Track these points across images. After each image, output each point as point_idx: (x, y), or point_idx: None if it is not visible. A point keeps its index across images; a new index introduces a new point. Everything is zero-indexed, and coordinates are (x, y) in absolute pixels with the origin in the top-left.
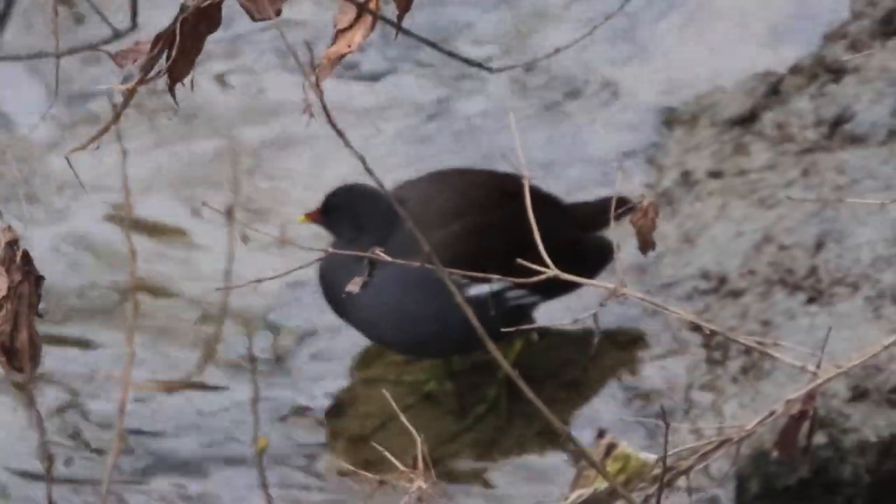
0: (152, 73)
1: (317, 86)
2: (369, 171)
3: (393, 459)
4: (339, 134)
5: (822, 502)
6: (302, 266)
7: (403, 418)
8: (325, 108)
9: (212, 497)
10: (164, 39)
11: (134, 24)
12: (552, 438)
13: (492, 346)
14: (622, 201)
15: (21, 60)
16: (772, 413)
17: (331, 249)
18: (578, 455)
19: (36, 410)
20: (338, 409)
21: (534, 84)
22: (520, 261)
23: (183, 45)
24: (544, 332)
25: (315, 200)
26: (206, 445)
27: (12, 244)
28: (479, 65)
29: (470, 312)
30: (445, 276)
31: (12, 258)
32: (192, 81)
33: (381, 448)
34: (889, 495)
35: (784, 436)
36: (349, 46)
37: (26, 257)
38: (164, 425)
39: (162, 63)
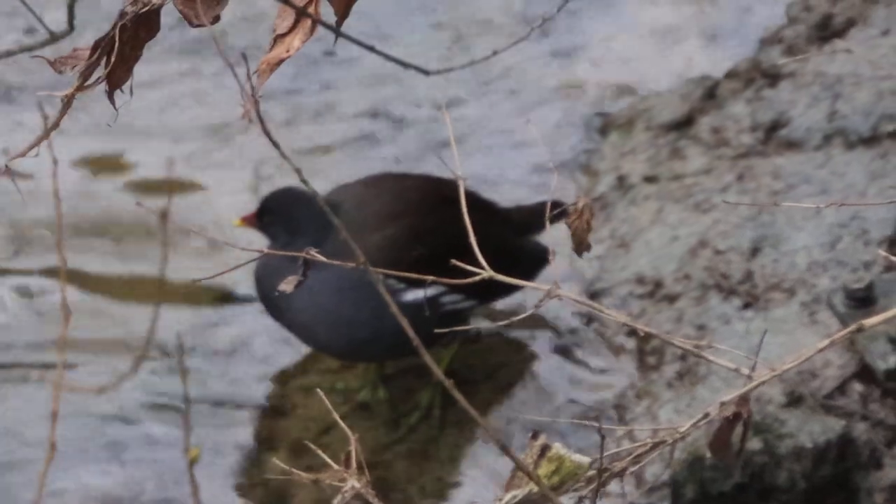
0: (91, 80)
1: (252, 94)
2: (304, 181)
3: (329, 461)
4: (275, 144)
5: None
6: (237, 266)
7: (340, 422)
8: (259, 117)
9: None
10: (102, 46)
11: (71, 29)
12: (486, 443)
13: (425, 355)
14: (557, 205)
15: None
16: (706, 415)
17: (266, 251)
18: (509, 457)
19: None
20: (274, 413)
21: (470, 86)
22: (455, 262)
23: (122, 51)
24: (478, 337)
25: (251, 205)
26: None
27: None
28: (417, 67)
29: (403, 320)
30: (379, 280)
31: None
32: (130, 88)
33: (318, 451)
34: (824, 502)
35: (717, 438)
36: (287, 52)
37: None
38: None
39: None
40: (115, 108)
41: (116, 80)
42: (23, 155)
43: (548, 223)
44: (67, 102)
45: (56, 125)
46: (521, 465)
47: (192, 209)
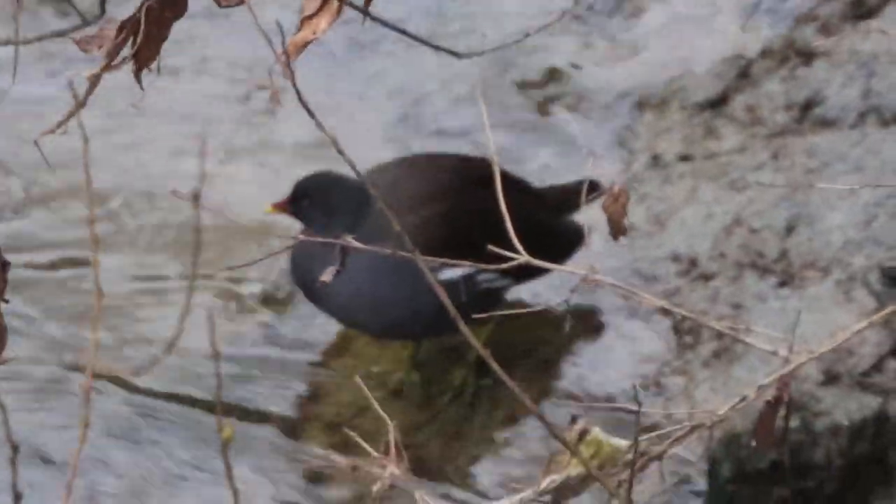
0: (118, 60)
1: (288, 68)
2: (341, 153)
3: (366, 446)
4: (312, 115)
5: (794, 486)
6: (273, 253)
7: (377, 406)
8: (297, 91)
9: (178, 478)
10: (129, 26)
11: (102, 12)
12: (519, 422)
13: (464, 328)
14: (593, 185)
15: None
16: (743, 398)
17: (302, 237)
18: (552, 436)
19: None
20: (310, 397)
21: (505, 69)
22: (492, 247)
23: (148, 31)
24: (516, 315)
25: (282, 191)
26: (182, 427)
27: None
28: (448, 50)
29: (443, 294)
30: (418, 258)
31: None
32: (158, 67)
33: (354, 434)
34: (860, 478)
35: (761, 424)
36: (314, 33)
37: None
38: (137, 408)
39: (128, 49)
40: (141, 87)
41: (143, 59)
42: (51, 132)
43: (583, 204)
44: (94, 81)
45: (83, 104)
46: (565, 441)
47: (222, 195)
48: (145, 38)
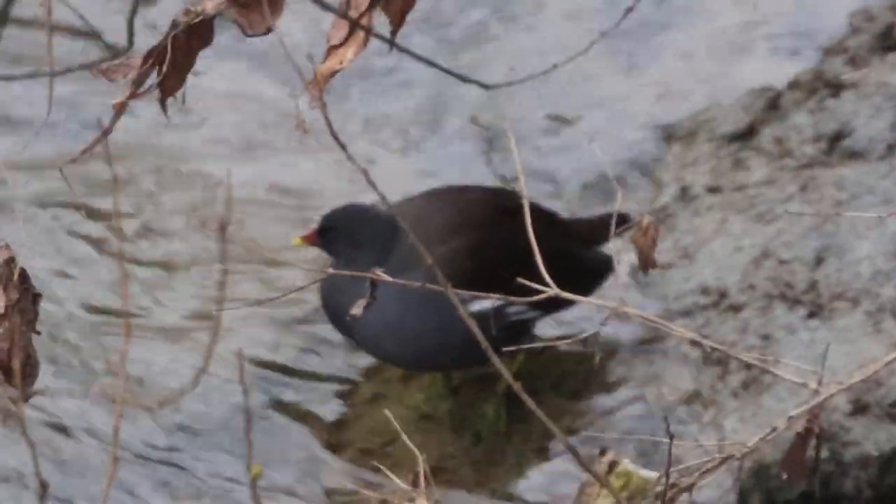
0: (144, 88)
1: (320, 99)
2: (372, 185)
3: (395, 479)
4: (342, 147)
5: None
6: (302, 287)
7: (405, 438)
8: (328, 121)
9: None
10: (155, 55)
11: (130, 45)
12: (551, 456)
13: (496, 360)
14: (622, 218)
15: (16, 80)
16: (773, 429)
17: (331, 270)
18: (582, 468)
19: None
20: (340, 426)
21: (532, 99)
22: (522, 280)
23: (174, 59)
24: (545, 348)
25: (308, 224)
26: (203, 459)
27: (9, 262)
28: (475, 81)
29: (474, 326)
30: (448, 290)
31: (10, 276)
32: (183, 96)
33: (383, 468)
34: None
35: (791, 455)
36: (341, 63)
37: (23, 275)
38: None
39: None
40: (166, 115)
41: (169, 88)
42: (75, 160)
43: (612, 236)
44: (120, 110)
45: (109, 131)
46: (595, 473)
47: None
48: (171, 67)
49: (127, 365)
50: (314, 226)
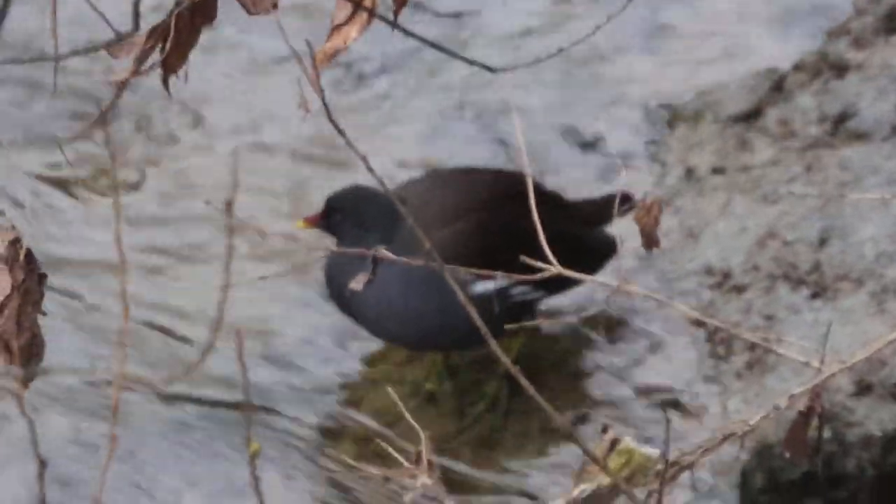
0: (146, 66)
1: (317, 83)
2: (370, 169)
3: (398, 456)
4: (340, 132)
5: (827, 496)
6: (303, 265)
7: (409, 416)
8: (325, 104)
9: (213, 488)
10: (158, 33)
11: (136, 27)
12: (553, 434)
13: (494, 344)
14: (626, 198)
15: (22, 63)
16: (775, 408)
17: (335, 249)
18: (581, 448)
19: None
20: (345, 405)
21: (539, 81)
22: (525, 259)
23: (178, 38)
24: (547, 327)
25: (311, 205)
26: (203, 444)
27: (15, 242)
28: (482, 64)
29: (473, 310)
30: (449, 273)
31: (15, 256)
32: (186, 74)
33: (386, 445)
34: (893, 489)
35: (792, 434)
36: (345, 42)
37: (29, 255)
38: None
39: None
40: (168, 93)
41: (172, 65)
42: (77, 138)
43: (616, 216)
44: (121, 87)
45: (110, 108)
46: (592, 454)
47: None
48: (174, 45)
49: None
50: (319, 208)
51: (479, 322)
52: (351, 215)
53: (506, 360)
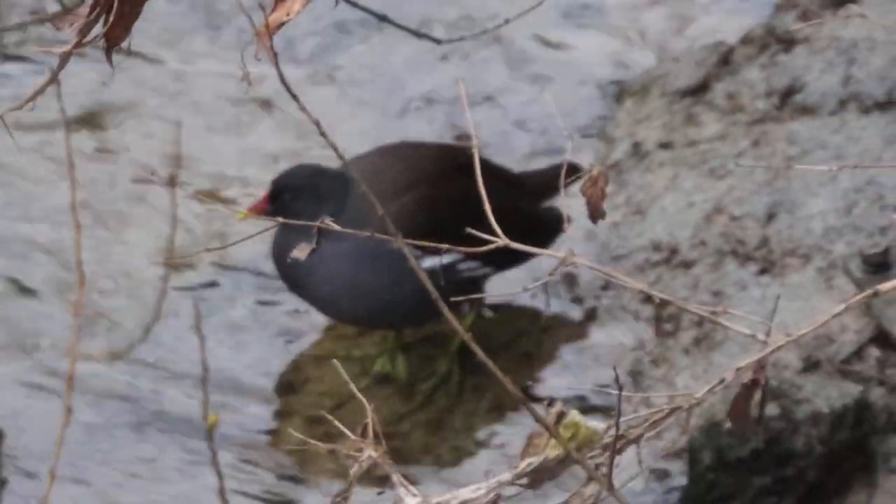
0: (89, 38)
1: (270, 49)
2: (324, 136)
3: (346, 430)
4: (295, 98)
5: (775, 473)
6: (249, 237)
7: (357, 393)
8: (280, 73)
9: (162, 467)
10: (101, 4)
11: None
12: (502, 412)
13: (449, 315)
14: (572, 168)
15: None
16: (721, 381)
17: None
18: (531, 415)
19: None
20: (290, 387)
21: (483, 56)
22: (471, 231)
23: (121, 9)
24: (496, 307)
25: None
26: (155, 416)
27: None
28: (427, 36)
29: (426, 280)
30: (401, 244)
31: None
32: (129, 46)
33: (334, 420)
34: (841, 466)
35: (736, 406)
36: (288, 14)
37: None
38: (112, 395)
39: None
40: (111, 66)
41: (115, 38)
42: (20, 107)
43: (562, 188)
44: (64, 59)
45: (52, 80)
46: (545, 423)
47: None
48: (117, 17)
49: (81, 314)
50: (263, 193)
51: (431, 290)
52: (298, 194)
53: (461, 330)
